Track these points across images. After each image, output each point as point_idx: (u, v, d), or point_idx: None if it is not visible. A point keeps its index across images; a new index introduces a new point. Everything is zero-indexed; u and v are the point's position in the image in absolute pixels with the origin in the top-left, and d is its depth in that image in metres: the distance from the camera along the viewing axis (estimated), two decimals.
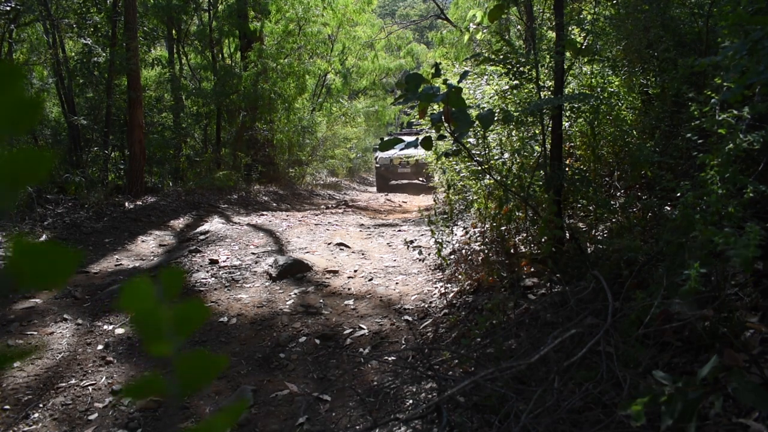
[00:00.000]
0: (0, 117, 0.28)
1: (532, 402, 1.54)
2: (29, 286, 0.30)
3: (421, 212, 3.95)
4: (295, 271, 3.87)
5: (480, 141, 3.16)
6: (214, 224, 5.85)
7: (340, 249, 4.54)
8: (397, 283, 3.64)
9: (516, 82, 2.81)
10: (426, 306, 3.18)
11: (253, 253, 4.41)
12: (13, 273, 0.28)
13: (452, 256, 3.44)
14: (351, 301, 3.38)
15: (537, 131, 2.96)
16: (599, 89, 3.07)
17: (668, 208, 2.43)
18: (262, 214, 6.85)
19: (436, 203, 3.56)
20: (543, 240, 2.61)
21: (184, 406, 2.38)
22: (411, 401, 2.18)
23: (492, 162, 3.12)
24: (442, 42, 14.12)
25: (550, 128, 2.72)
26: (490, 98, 3.29)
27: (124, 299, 0.34)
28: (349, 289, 3.60)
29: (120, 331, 3.12)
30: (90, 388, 2.57)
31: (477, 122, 1.95)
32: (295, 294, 3.52)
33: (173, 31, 10.66)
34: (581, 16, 3.33)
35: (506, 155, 3.05)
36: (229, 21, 10.50)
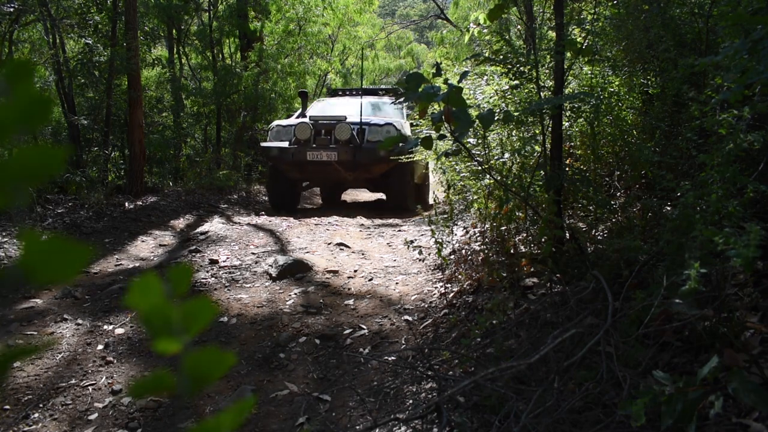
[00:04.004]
0: (13, 113, 0.28)
1: (532, 402, 1.54)
2: (40, 281, 0.30)
3: (421, 212, 3.96)
4: (295, 271, 3.87)
5: (480, 141, 3.16)
6: (214, 224, 5.85)
7: (340, 249, 4.54)
8: (397, 283, 3.64)
9: (516, 82, 2.81)
10: (426, 306, 3.18)
11: (253, 253, 4.41)
12: (24, 268, 0.28)
13: (452, 256, 3.45)
14: (351, 301, 3.38)
15: (537, 131, 2.96)
16: (599, 89, 3.08)
17: (668, 208, 2.43)
18: (262, 214, 6.85)
19: (436, 203, 3.56)
20: (543, 240, 2.61)
21: (184, 406, 2.38)
22: (411, 401, 2.18)
23: (492, 162, 3.12)
24: (442, 42, 14.11)
25: (550, 128, 2.72)
26: (490, 98, 3.29)
27: (132, 296, 0.34)
28: (349, 289, 3.60)
29: (120, 331, 3.12)
30: (90, 388, 2.57)
31: (477, 122, 1.95)
32: (295, 294, 3.52)
33: (173, 31, 10.67)
34: (581, 16, 3.33)
35: (506, 155, 3.05)
36: (230, 21, 10.50)
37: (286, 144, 6.72)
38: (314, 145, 6.58)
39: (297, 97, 9.86)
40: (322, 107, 8.09)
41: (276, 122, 7.37)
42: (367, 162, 6.48)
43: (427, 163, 7.56)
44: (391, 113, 7.63)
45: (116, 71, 7.64)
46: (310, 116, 7.05)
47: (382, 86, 9.30)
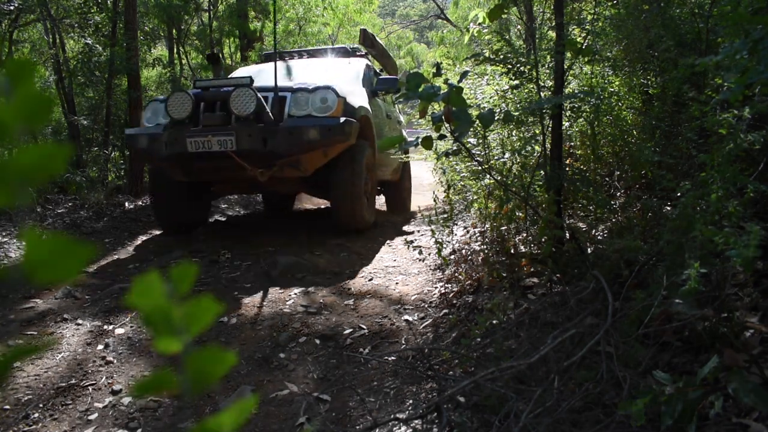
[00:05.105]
0: (14, 112, 0.28)
1: (532, 402, 1.54)
2: (40, 281, 0.30)
3: (421, 212, 3.96)
4: (295, 271, 3.87)
5: (480, 141, 3.16)
6: (214, 224, 5.85)
7: (340, 249, 4.54)
8: (397, 283, 3.64)
9: (516, 82, 2.81)
10: (426, 306, 3.18)
11: (253, 253, 4.41)
12: (25, 267, 0.28)
13: (452, 256, 3.45)
14: (351, 301, 3.38)
15: (537, 131, 2.96)
16: (599, 89, 3.08)
17: (668, 208, 2.43)
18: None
19: (436, 203, 3.56)
20: (543, 240, 2.61)
21: (184, 406, 2.38)
22: (411, 401, 2.18)
23: (492, 162, 3.12)
24: (442, 42, 14.11)
25: (550, 128, 2.73)
26: (490, 98, 3.29)
27: (134, 295, 0.34)
28: (349, 288, 3.60)
29: (120, 331, 3.12)
30: (90, 388, 2.57)
31: (477, 122, 1.95)
32: (295, 294, 3.52)
33: (173, 31, 10.67)
34: (581, 16, 3.33)
35: (506, 155, 3.05)
36: (230, 21, 10.52)
37: (160, 129, 4.30)
38: (200, 127, 4.13)
39: None
40: (263, 74, 5.64)
41: (156, 98, 4.89)
42: (288, 151, 4.05)
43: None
44: (337, 75, 5.30)
45: (116, 71, 7.64)
46: (196, 81, 4.46)
47: (337, 46, 6.84)
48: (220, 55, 5.56)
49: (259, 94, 4.06)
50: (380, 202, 7.02)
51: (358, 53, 6.37)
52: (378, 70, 6.48)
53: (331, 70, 5.59)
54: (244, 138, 4.02)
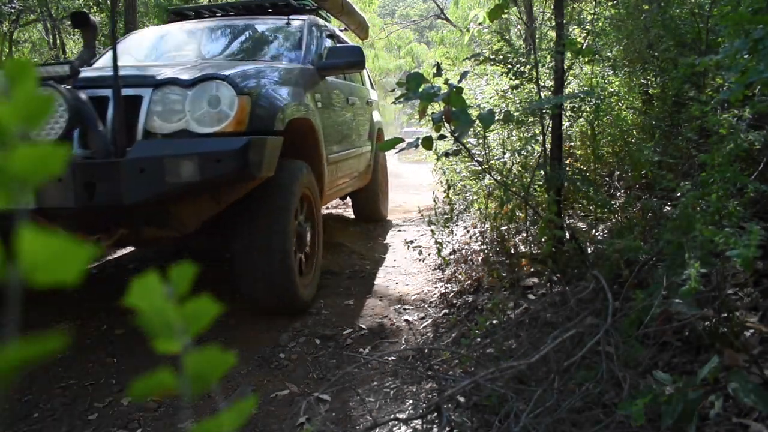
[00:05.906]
0: (14, 112, 0.28)
1: (532, 402, 1.54)
2: (40, 281, 0.30)
3: (421, 212, 3.96)
4: None
5: (480, 141, 3.16)
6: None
7: (340, 249, 4.54)
8: (397, 283, 3.64)
9: (516, 82, 2.81)
10: (426, 306, 3.18)
11: None
12: (27, 267, 0.28)
13: (452, 256, 3.45)
14: (351, 301, 3.38)
15: (537, 131, 2.97)
16: (599, 89, 3.08)
17: (668, 208, 2.43)
18: None
19: (436, 203, 3.57)
20: (543, 240, 2.61)
21: (184, 406, 2.38)
22: (411, 401, 2.19)
23: (492, 162, 3.12)
24: (442, 42, 14.11)
25: (550, 128, 2.73)
26: (490, 98, 3.29)
27: (133, 296, 0.34)
28: (349, 288, 3.60)
29: (120, 331, 3.12)
30: (90, 388, 2.57)
31: (477, 122, 1.95)
32: None
33: None
34: (581, 16, 3.34)
35: (506, 155, 3.06)
36: None
37: None
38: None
39: None
40: (138, 49, 3.93)
41: None
42: (140, 203, 2.26)
43: (375, 127, 4.45)
44: (261, 48, 3.73)
45: None
46: None
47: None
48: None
49: (82, 96, 2.24)
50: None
51: (307, 8, 4.44)
52: (338, 31, 4.59)
53: (255, 39, 3.75)
54: (50, 186, 2.12)
